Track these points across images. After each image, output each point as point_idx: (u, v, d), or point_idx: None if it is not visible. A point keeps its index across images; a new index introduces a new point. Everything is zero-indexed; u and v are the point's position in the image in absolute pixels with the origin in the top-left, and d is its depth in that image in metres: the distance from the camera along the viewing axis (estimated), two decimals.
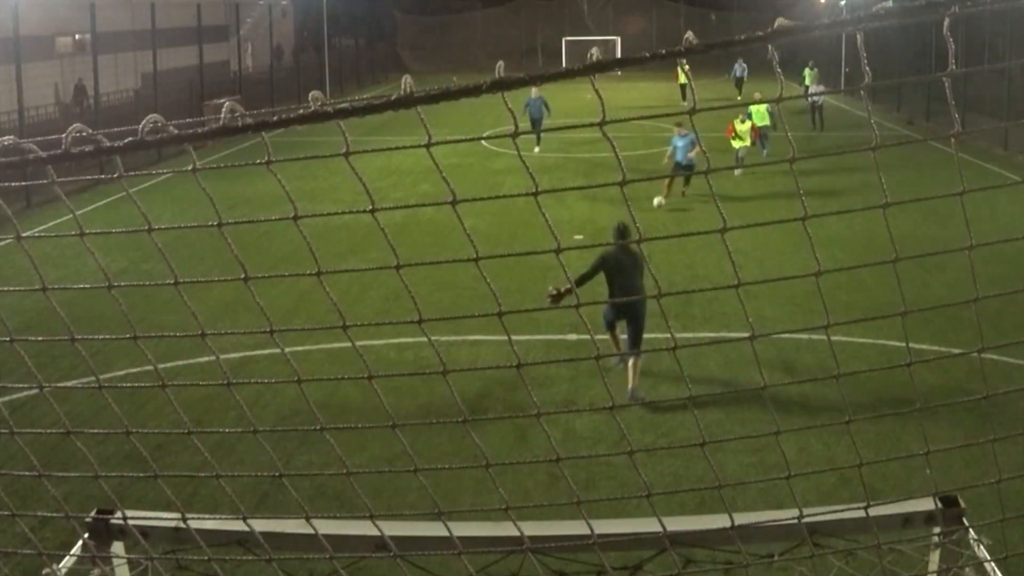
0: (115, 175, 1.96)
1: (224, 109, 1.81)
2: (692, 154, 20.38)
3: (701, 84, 45.08)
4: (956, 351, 11.46)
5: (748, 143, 23.64)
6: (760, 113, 24.55)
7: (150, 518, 3.52)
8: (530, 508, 4.40)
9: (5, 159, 1.83)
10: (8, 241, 2.48)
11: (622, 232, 11.25)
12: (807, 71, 35.19)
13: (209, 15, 36.98)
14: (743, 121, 23.47)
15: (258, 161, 1.97)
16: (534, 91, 25.66)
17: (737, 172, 23.16)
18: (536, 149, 27.59)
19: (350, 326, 2.15)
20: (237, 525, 3.19)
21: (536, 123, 26.55)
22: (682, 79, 39.42)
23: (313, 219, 2.18)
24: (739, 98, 37.60)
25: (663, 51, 1.79)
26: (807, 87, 34.59)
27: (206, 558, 2.73)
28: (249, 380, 11.90)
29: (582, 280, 10.61)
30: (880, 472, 8.94)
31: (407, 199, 21.72)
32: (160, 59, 30.99)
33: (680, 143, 20.81)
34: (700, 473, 9.11)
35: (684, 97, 39.76)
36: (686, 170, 20.03)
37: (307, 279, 2.21)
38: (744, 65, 40.81)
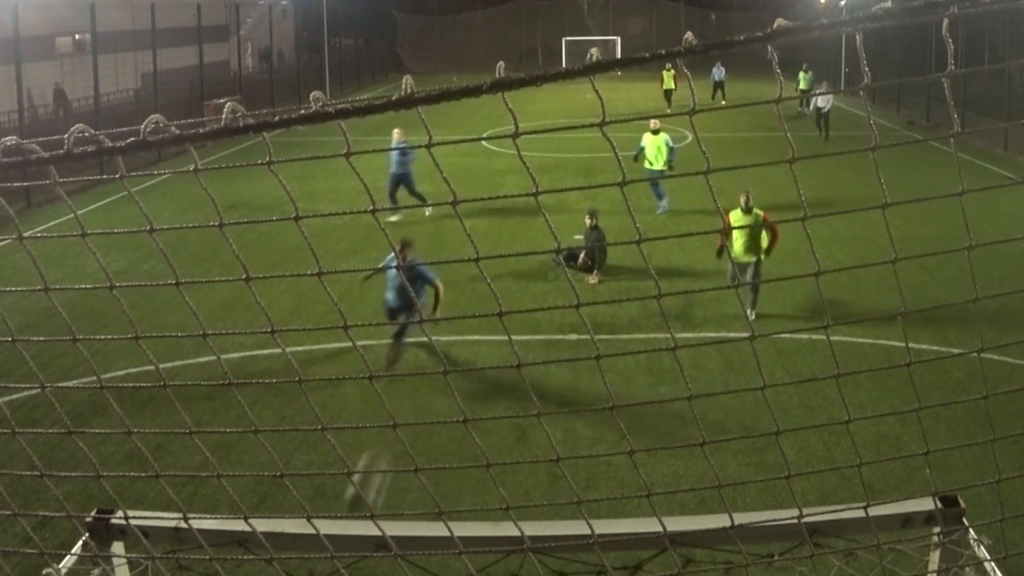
0: (116, 175, 1.97)
1: (225, 110, 1.81)
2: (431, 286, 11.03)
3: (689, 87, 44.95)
4: (956, 351, 11.47)
5: (753, 256, 13.30)
6: (658, 149, 18.62)
7: (150, 518, 3.53)
8: (530, 508, 4.41)
9: (8, 160, 1.83)
10: (9, 241, 2.48)
11: (595, 225, 15.33)
12: (802, 74, 34.63)
13: (209, 15, 36.93)
14: (748, 209, 13.25)
15: (259, 161, 1.97)
16: (396, 133, 19.04)
17: (751, 315, 13.24)
18: (394, 217, 19.09)
19: (350, 326, 2.15)
20: (238, 525, 3.19)
21: (401, 178, 19.52)
22: (667, 84, 37.83)
23: (313, 219, 2.18)
24: (722, 103, 37.11)
25: (663, 51, 1.80)
26: (802, 91, 34.36)
27: (207, 558, 2.73)
28: (249, 380, 11.90)
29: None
30: (880, 472, 8.95)
31: (407, 199, 21.72)
32: (160, 59, 30.97)
33: (390, 275, 11.73)
34: (700, 473, 9.11)
35: (669, 104, 38.38)
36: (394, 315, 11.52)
37: (307, 279, 2.22)
38: (723, 69, 38.81)
